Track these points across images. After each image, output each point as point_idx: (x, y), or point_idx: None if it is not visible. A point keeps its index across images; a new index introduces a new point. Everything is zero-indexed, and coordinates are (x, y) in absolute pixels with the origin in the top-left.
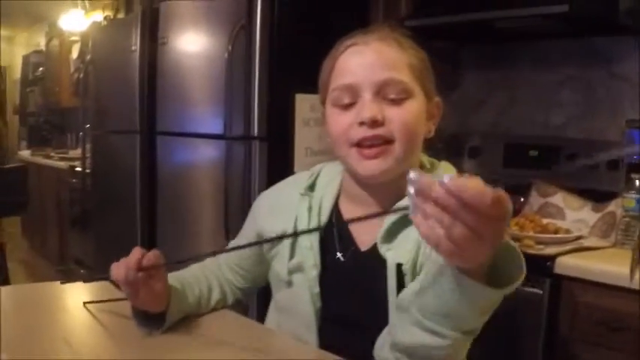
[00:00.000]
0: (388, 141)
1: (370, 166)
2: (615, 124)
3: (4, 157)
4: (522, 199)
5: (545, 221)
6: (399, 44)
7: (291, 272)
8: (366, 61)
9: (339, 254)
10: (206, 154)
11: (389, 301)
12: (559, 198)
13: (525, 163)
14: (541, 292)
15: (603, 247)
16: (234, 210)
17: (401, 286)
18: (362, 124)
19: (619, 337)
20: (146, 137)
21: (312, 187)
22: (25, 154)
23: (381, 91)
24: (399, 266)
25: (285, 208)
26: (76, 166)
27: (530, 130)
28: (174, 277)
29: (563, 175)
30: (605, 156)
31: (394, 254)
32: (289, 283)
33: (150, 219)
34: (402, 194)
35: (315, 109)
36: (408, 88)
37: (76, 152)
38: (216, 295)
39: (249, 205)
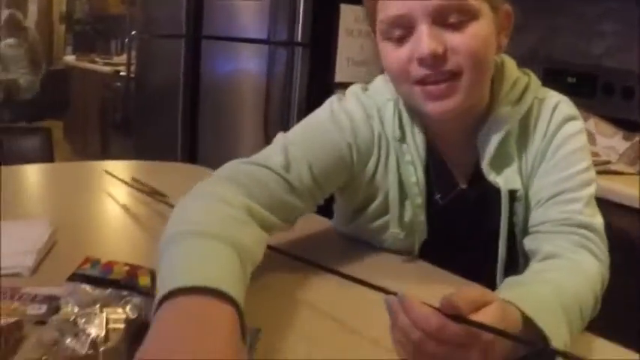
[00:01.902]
0: (455, 74)
1: (438, 108)
2: None
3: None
4: None
5: None
6: None
7: (395, 237)
8: None
9: (437, 196)
10: (249, 59)
11: (500, 232)
12: (591, 123)
13: (563, 89)
14: None
15: (629, 173)
16: (275, 118)
17: (512, 215)
18: (422, 61)
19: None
20: (191, 42)
21: (401, 128)
22: (70, 59)
23: (438, 17)
24: (511, 193)
25: (371, 148)
26: (120, 71)
27: (570, 57)
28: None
29: (599, 103)
30: None
31: (506, 180)
32: (390, 243)
33: (192, 125)
34: (481, 118)
35: (359, 20)
36: (470, 8)
37: (121, 58)
38: None
39: (289, 114)
